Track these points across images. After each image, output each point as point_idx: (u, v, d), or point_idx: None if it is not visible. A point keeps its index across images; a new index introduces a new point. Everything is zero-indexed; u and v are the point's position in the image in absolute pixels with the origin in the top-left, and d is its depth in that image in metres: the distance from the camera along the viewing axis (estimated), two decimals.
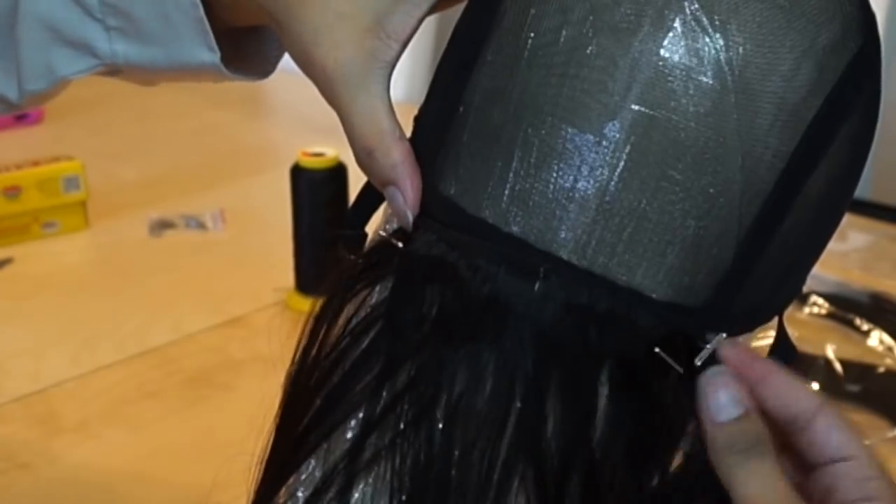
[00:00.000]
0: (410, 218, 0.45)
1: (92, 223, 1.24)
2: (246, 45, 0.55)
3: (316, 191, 1.03)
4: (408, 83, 1.69)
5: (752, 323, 0.46)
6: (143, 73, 0.54)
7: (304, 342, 0.47)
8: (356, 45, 0.46)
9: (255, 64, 0.55)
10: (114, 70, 0.54)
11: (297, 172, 1.04)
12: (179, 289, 1.12)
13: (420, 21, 0.46)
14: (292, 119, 1.59)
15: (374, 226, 0.49)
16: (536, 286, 0.42)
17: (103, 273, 1.21)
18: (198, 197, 1.31)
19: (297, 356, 0.47)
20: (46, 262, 1.18)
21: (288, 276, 1.04)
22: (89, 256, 1.24)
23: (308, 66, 0.47)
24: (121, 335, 1.03)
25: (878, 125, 0.46)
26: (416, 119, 0.48)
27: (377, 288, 0.46)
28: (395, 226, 0.47)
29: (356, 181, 0.52)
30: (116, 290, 1.13)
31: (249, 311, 1.03)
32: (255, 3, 0.48)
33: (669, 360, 0.43)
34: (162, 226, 1.26)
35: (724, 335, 0.44)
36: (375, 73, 0.46)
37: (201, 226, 1.26)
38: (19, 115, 1.49)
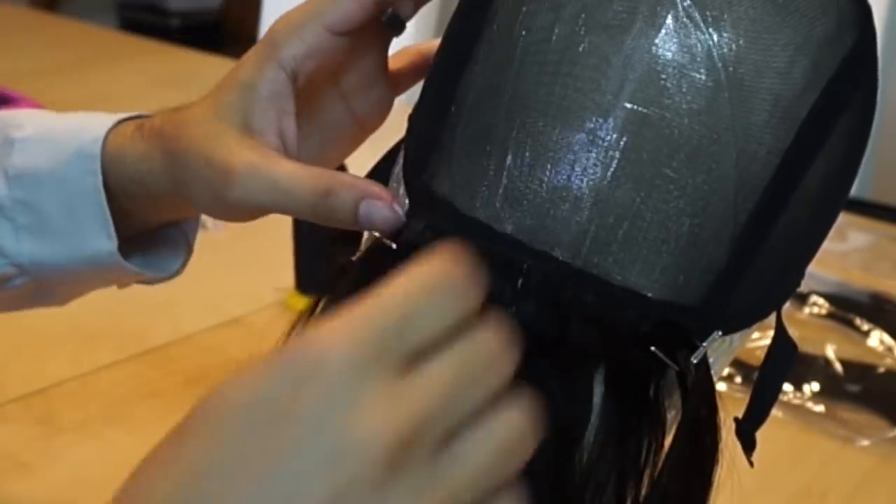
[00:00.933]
0: (401, 212, 0.45)
1: None
2: (156, 248, 0.58)
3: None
4: None
5: (749, 320, 0.46)
6: (46, 276, 0.56)
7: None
8: (246, 148, 0.48)
9: (164, 266, 0.58)
10: (16, 274, 0.55)
11: None
12: (179, 289, 1.12)
13: (282, 106, 0.49)
14: None
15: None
16: (519, 283, 0.42)
17: None
18: None
19: None
20: None
21: (288, 276, 1.04)
22: None
23: (222, 188, 0.48)
24: (120, 335, 1.03)
25: (879, 125, 0.46)
26: (410, 118, 0.48)
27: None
28: None
29: None
30: (116, 290, 1.13)
31: (249, 311, 1.03)
32: (153, 176, 0.51)
33: (665, 359, 0.43)
34: None
35: (721, 333, 0.44)
36: (270, 156, 0.48)
37: (201, 226, 1.26)
38: None
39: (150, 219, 0.56)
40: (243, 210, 0.48)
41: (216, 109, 0.49)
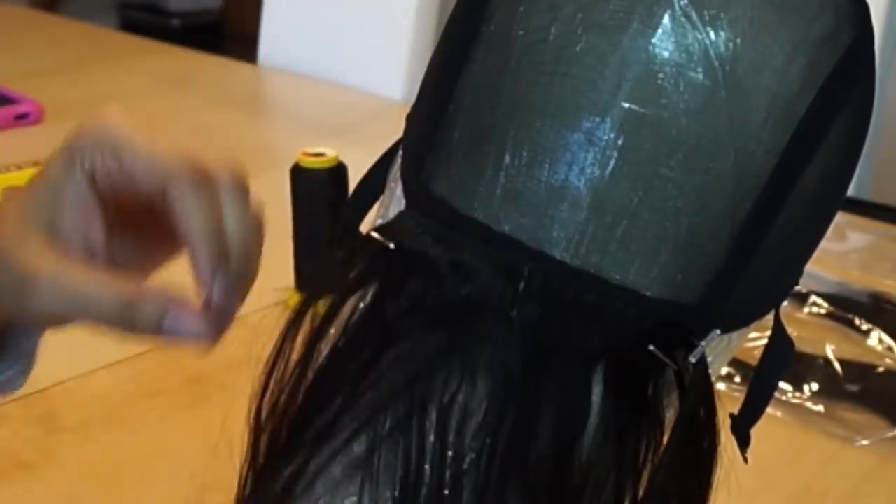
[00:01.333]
0: (202, 326, 0.44)
1: None
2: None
3: (316, 191, 1.03)
4: (407, 83, 1.70)
5: (747, 318, 0.46)
6: None
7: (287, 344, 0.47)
8: (47, 254, 0.44)
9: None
10: None
11: (297, 172, 1.04)
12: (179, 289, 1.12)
13: (89, 213, 0.46)
14: (292, 119, 1.59)
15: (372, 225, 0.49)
16: (521, 286, 0.42)
17: None
18: None
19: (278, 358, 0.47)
20: None
21: (288, 276, 1.04)
22: None
23: (22, 296, 0.44)
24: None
25: (879, 125, 0.47)
26: (408, 118, 0.48)
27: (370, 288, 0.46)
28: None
29: (356, 181, 0.52)
30: None
31: (249, 311, 1.03)
32: None
33: (664, 358, 0.43)
34: None
35: (719, 332, 0.44)
36: (73, 265, 0.44)
37: None
38: (19, 114, 1.49)
39: None
40: (45, 318, 0.46)
41: (24, 210, 0.46)
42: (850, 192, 0.50)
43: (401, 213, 0.46)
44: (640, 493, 0.43)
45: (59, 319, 0.46)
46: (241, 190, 0.45)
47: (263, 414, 0.46)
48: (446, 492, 0.42)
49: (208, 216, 0.44)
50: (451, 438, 0.42)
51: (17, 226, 0.45)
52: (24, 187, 0.47)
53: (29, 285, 0.44)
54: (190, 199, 0.44)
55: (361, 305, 0.45)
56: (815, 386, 0.99)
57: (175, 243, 0.48)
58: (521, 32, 0.43)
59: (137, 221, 0.48)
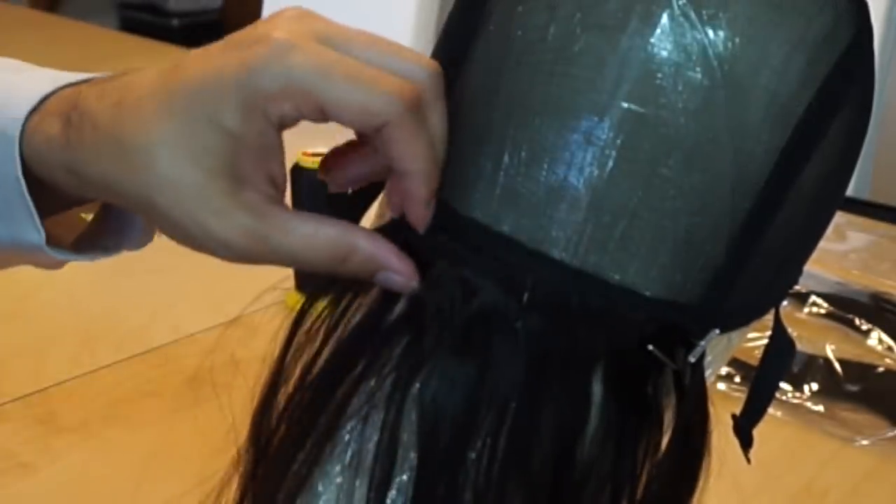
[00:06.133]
0: (414, 281, 0.43)
1: None
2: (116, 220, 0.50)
3: (316, 191, 1.03)
4: None
5: (747, 318, 0.46)
6: None
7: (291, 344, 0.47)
8: (241, 208, 0.42)
9: (128, 236, 0.51)
10: None
11: (297, 172, 1.04)
12: (179, 289, 1.12)
13: (272, 155, 0.42)
14: None
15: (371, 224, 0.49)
16: (525, 298, 0.42)
17: (103, 273, 1.20)
18: None
19: (282, 358, 0.47)
20: None
21: (288, 276, 1.04)
22: None
23: (220, 254, 0.43)
24: (121, 335, 1.03)
25: (879, 126, 0.47)
26: None
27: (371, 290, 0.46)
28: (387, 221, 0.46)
29: None
30: (116, 290, 1.13)
31: (249, 311, 1.03)
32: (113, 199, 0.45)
33: (663, 358, 0.43)
34: None
35: (719, 331, 0.44)
36: (273, 216, 0.42)
37: None
38: None
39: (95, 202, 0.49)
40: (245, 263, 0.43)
41: (187, 149, 0.41)
42: (850, 192, 0.50)
43: (400, 216, 0.46)
44: (640, 492, 0.43)
45: (256, 264, 0.43)
46: (441, 97, 0.43)
47: (264, 414, 0.46)
48: (442, 493, 0.42)
49: (429, 155, 0.42)
50: (452, 447, 0.42)
51: (187, 172, 0.41)
52: (172, 107, 0.41)
53: (230, 249, 0.42)
54: (410, 141, 0.42)
55: (362, 307, 0.45)
56: (815, 386, 0.99)
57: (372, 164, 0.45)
58: (520, 32, 0.43)
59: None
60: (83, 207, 0.50)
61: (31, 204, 0.45)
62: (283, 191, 0.43)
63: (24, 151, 0.44)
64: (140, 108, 0.42)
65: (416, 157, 0.42)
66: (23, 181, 0.44)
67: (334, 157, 0.47)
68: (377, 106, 0.41)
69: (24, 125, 0.44)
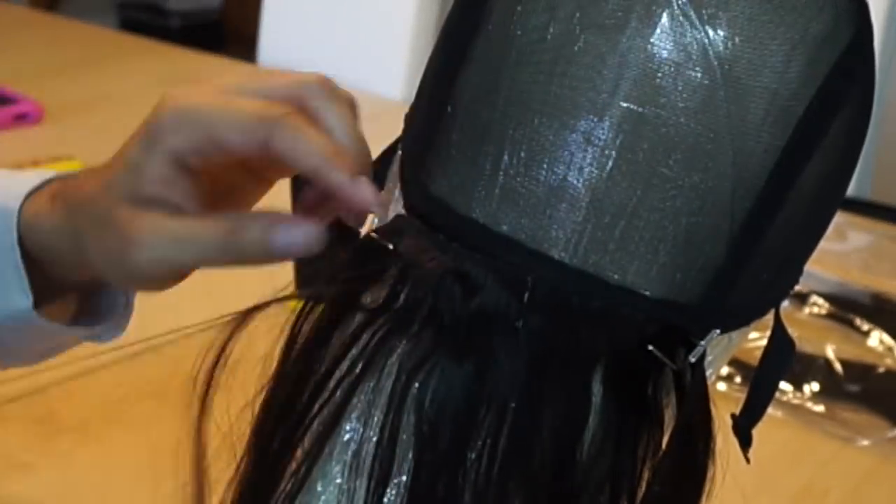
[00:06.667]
0: (315, 230, 0.45)
1: None
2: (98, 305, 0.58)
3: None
4: (407, 83, 1.70)
5: (747, 317, 0.46)
6: None
7: (291, 343, 0.47)
8: (142, 213, 0.46)
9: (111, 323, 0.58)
10: None
11: (297, 179, 1.03)
12: (179, 289, 1.12)
13: (174, 185, 0.47)
14: None
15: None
16: (525, 297, 0.42)
17: None
18: None
19: (286, 357, 0.47)
20: None
21: (288, 276, 1.04)
22: None
23: (126, 254, 0.47)
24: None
25: (879, 125, 0.47)
26: (407, 118, 0.48)
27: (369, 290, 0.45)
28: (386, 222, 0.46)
29: None
30: None
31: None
32: (62, 246, 0.51)
33: (663, 358, 0.43)
34: None
35: (719, 331, 0.44)
36: (168, 215, 0.46)
37: None
38: (19, 114, 1.49)
39: (78, 282, 0.55)
40: (154, 273, 0.47)
41: (108, 184, 0.48)
42: (850, 192, 0.50)
43: (399, 216, 0.46)
44: (640, 492, 0.43)
45: (167, 270, 0.48)
46: (332, 97, 0.48)
47: (264, 414, 0.46)
48: (441, 493, 0.42)
49: (319, 148, 0.45)
50: (452, 446, 0.42)
51: (105, 197, 0.47)
52: (101, 167, 0.49)
53: (132, 242, 0.46)
54: (292, 145, 0.45)
55: (362, 307, 0.45)
56: (815, 386, 0.99)
57: (261, 184, 0.52)
58: (520, 32, 0.43)
59: (224, 172, 0.49)
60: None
61: (22, 268, 0.52)
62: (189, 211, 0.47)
63: (19, 224, 0.52)
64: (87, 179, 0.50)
65: (306, 154, 0.44)
66: (17, 249, 0.51)
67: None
68: (251, 124, 0.45)
69: (22, 203, 0.52)
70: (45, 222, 0.52)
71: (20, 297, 0.52)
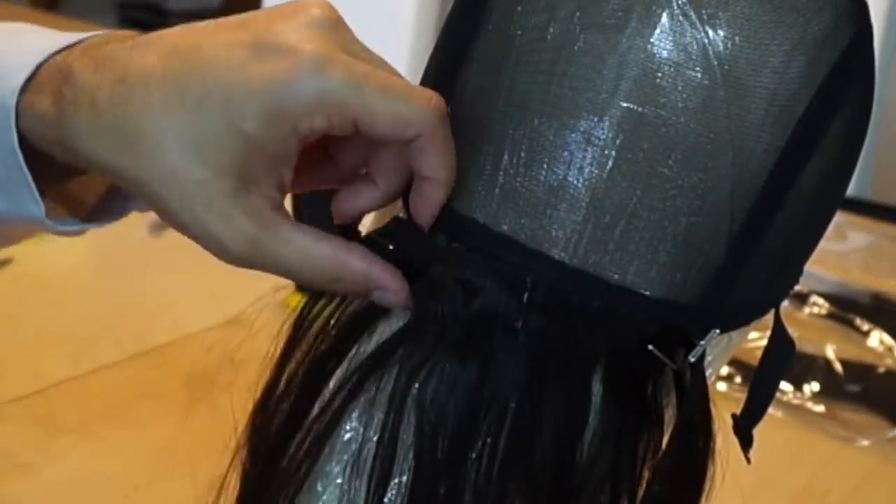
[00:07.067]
0: (407, 303, 0.43)
1: None
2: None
3: (316, 197, 1.03)
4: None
5: (746, 317, 0.46)
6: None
7: (289, 344, 0.47)
8: (243, 213, 0.41)
9: (118, 208, 0.50)
10: None
11: None
12: (179, 289, 1.12)
13: (287, 162, 0.42)
14: None
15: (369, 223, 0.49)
16: (525, 297, 0.42)
17: (103, 273, 1.21)
18: None
19: (282, 358, 0.47)
20: (46, 262, 1.18)
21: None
22: (89, 256, 1.24)
23: (215, 251, 0.42)
24: (120, 335, 1.03)
25: (879, 126, 0.47)
26: None
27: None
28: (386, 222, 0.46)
29: None
30: (116, 290, 1.13)
31: (249, 311, 1.04)
32: (108, 178, 0.45)
33: (663, 358, 0.43)
34: (162, 226, 1.25)
35: (718, 331, 0.44)
36: (272, 225, 0.41)
37: None
38: None
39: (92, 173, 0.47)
40: (225, 258, 0.42)
41: (196, 142, 0.40)
42: (850, 192, 0.50)
43: (399, 217, 0.46)
44: (640, 492, 0.43)
45: (239, 263, 0.42)
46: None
47: (264, 414, 0.46)
48: (442, 493, 0.42)
49: (454, 164, 0.42)
50: (451, 449, 0.42)
51: (192, 166, 0.40)
52: (186, 91, 0.40)
53: (225, 250, 0.41)
54: (441, 151, 0.42)
55: (362, 307, 0.45)
56: (815, 386, 0.99)
57: (327, 163, 0.46)
58: (520, 32, 0.43)
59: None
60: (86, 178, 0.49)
61: (29, 177, 0.44)
62: (286, 191, 0.43)
63: (20, 124, 0.43)
64: (147, 92, 0.40)
65: (445, 167, 0.42)
66: (20, 154, 0.43)
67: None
68: (411, 116, 0.41)
69: (19, 97, 0.43)
70: (53, 137, 0.43)
71: (30, 206, 0.45)
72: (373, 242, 0.45)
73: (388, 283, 0.43)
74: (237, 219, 0.41)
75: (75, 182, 0.49)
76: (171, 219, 0.41)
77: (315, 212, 0.47)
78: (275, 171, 0.41)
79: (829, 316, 1.12)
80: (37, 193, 0.44)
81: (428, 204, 0.43)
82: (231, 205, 0.41)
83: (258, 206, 0.41)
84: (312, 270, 0.42)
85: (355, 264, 0.43)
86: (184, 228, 0.41)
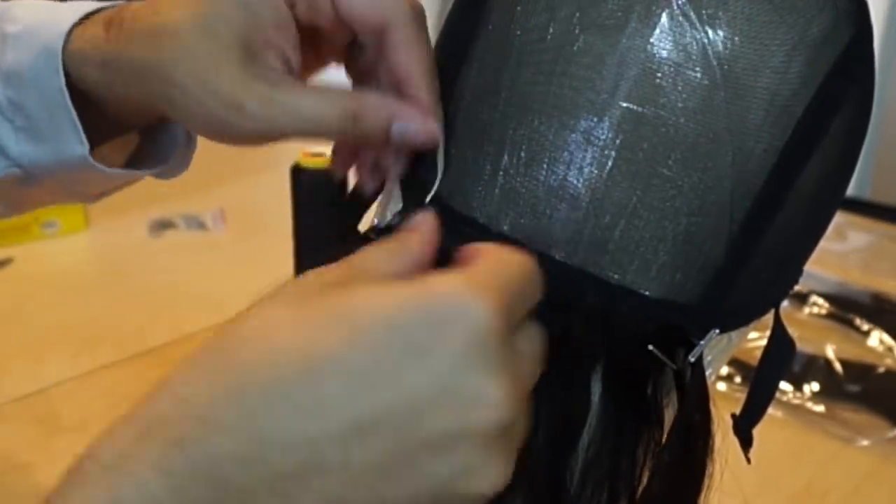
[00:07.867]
0: (434, 125, 0.44)
1: (92, 223, 1.24)
2: (158, 144, 0.54)
3: (316, 191, 1.03)
4: None
5: (746, 317, 0.46)
6: (47, 178, 0.53)
7: None
8: (252, 78, 0.44)
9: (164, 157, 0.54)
10: (22, 178, 0.52)
11: (297, 172, 1.04)
12: (179, 289, 1.12)
13: (287, 35, 0.45)
14: None
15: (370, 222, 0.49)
16: None
17: (103, 273, 1.21)
18: (198, 197, 1.31)
19: None
20: (46, 262, 1.18)
21: (288, 276, 1.04)
22: (89, 256, 1.24)
23: (231, 120, 0.44)
24: (120, 335, 1.03)
25: (879, 126, 0.47)
26: None
27: None
28: (386, 221, 0.46)
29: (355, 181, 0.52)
30: (116, 290, 1.13)
31: None
32: (123, 86, 0.47)
33: (663, 357, 0.43)
34: (162, 226, 1.26)
35: (718, 331, 0.44)
36: (282, 83, 0.44)
37: (201, 226, 1.26)
38: None
39: (134, 118, 0.52)
40: (251, 138, 0.45)
41: (207, 22, 0.44)
42: (850, 192, 0.50)
43: (398, 216, 0.46)
44: (639, 492, 0.43)
45: (264, 139, 0.45)
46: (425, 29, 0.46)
47: None
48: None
49: (428, 57, 0.45)
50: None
51: (203, 43, 0.44)
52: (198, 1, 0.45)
53: (240, 112, 0.44)
54: (415, 42, 0.45)
55: None
56: (815, 386, 0.99)
57: (322, 58, 0.49)
58: (519, 32, 0.43)
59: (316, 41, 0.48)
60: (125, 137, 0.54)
61: (74, 114, 0.48)
62: (295, 76, 0.45)
63: (66, 61, 0.48)
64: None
65: (420, 59, 0.44)
66: (66, 92, 0.48)
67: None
68: (385, 2, 0.44)
69: (67, 37, 0.48)
70: (97, 56, 0.47)
71: (75, 144, 0.49)
72: (371, 241, 0.45)
73: (406, 110, 0.44)
74: (248, 81, 0.44)
75: (107, 147, 0.52)
76: (189, 103, 0.44)
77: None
78: (275, 43, 0.45)
79: (829, 316, 1.12)
80: (81, 131, 0.49)
81: (416, 114, 0.44)
82: (241, 70, 0.44)
83: (265, 72, 0.44)
84: (332, 110, 0.44)
85: (372, 97, 0.45)
86: (201, 106, 0.44)
